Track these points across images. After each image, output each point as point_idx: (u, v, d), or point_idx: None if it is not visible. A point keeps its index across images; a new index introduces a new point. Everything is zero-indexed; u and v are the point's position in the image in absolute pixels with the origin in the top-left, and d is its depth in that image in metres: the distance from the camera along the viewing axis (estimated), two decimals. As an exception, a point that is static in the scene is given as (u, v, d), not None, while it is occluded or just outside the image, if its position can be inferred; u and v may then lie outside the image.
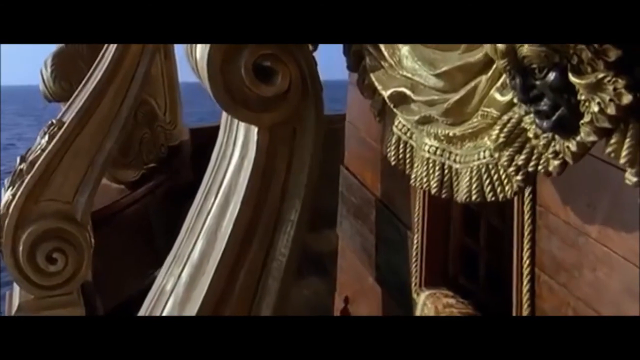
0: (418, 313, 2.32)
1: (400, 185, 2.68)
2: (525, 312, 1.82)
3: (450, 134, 1.57)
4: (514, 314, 1.87)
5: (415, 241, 2.47)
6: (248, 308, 1.68)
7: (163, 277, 1.79)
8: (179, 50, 4.96)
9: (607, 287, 1.53)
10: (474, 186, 1.50)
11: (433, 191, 1.66)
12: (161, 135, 4.59)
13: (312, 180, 1.71)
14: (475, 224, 2.44)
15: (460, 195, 1.54)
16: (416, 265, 2.46)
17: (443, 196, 1.65)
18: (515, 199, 1.90)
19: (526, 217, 1.83)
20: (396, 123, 1.93)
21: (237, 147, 1.77)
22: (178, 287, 1.71)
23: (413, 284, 2.46)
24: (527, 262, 1.82)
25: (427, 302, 2.30)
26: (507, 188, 1.43)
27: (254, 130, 1.72)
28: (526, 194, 1.84)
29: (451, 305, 2.23)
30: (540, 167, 1.33)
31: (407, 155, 1.84)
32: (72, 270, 3.15)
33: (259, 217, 1.70)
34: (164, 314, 1.69)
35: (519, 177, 1.39)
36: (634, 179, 1.14)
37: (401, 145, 1.87)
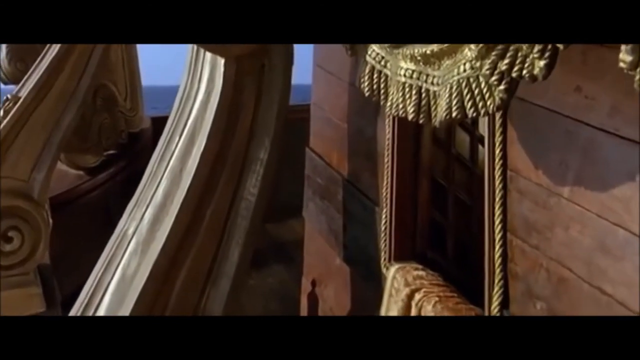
0: (387, 287, 2.30)
1: (367, 163, 2.67)
2: (497, 277, 1.81)
3: (428, 52, 1.52)
4: (485, 280, 1.86)
5: (383, 216, 2.45)
6: (215, 246, 1.63)
7: (124, 222, 1.72)
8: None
9: (580, 245, 1.53)
10: (453, 102, 1.44)
11: (410, 117, 1.61)
12: (121, 121, 4.48)
13: (281, 118, 1.66)
14: (443, 197, 2.44)
15: (439, 114, 1.49)
16: (385, 240, 2.45)
17: (420, 122, 1.59)
18: (486, 165, 1.90)
19: (497, 182, 1.83)
20: (369, 52, 1.88)
21: (203, 84, 1.71)
22: (141, 228, 1.65)
23: (382, 259, 2.44)
24: (499, 227, 1.81)
25: (396, 276, 2.28)
26: (489, 102, 1.39)
27: (221, 62, 1.65)
28: (497, 160, 1.84)
29: (421, 277, 2.21)
30: (525, 72, 1.28)
31: (382, 85, 1.79)
32: (28, 250, 3.03)
33: (226, 155, 1.65)
34: (126, 257, 1.63)
35: (502, 87, 1.34)
36: (629, 58, 1.09)
37: (375, 75, 1.82)
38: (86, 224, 3.99)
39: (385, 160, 2.45)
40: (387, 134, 2.44)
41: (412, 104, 1.59)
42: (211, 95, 1.66)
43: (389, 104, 1.73)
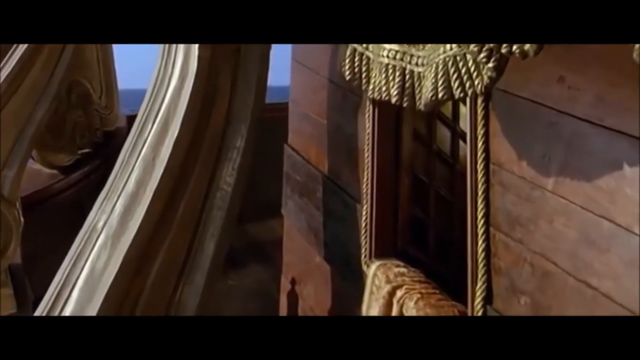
0: (368, 284, 2.26)
1: (347, 158, 2.63)
2: (480, 273, 1.78)
3: None
4: (468, 276, 1.83)
5: (364, 212, 2.41)
6: (190, 238, 1.57)
7: (94, 215, 1.66)
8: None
9: (564, 238, 1.50)
10: (439, 82, 1.38)
11: (393, 99, 1.56)
12: (96, 119, 4.38)
13: (259, 104, 1.61)
14: (424, 194, 2.41)
15: (425, 96, 1.44)
16: (365, 237, 2.41)
17: (404, 104, 1.54)
18: (468, 158, 1.87)
19: (479, 176, 1.80)
20: (351, 34, 1.82)
21: (177, 69, 1.65)
22: (111, 220, 1.58)
23: (363, 256, 2.40)
24: (482, 221, 1.79)
25: (377, 273, 2.24)
26: (476, 81, 1.34)
27: (195, 45, 1.59)
28: (479, 153, 1.81)
29: (403, 274, 2.18)
30: (515, 47, 1.24)
31: (364, 68, 1.73)
32: (-2, 249, 2.95)
33: (201, 142, 1.59)
34: (95, 251, 1.56)
35: (490, 64, 1.30)
36: None
37: (356, 58, 1.77)
38: (60, 223, 3.90)
39: (366, 156, 2.42)
40: (367, 129, 2.40)
41: (395, 86, 1.54)
42: (185, 80, 1.60)
43: (371, 87, 1.67)
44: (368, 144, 2.40)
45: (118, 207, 1.63)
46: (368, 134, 2.40)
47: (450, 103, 2.52)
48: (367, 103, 2.37)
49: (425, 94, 1.43)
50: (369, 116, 2.39)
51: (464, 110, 2.16)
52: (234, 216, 1.69)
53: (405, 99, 1.52)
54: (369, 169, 2.41)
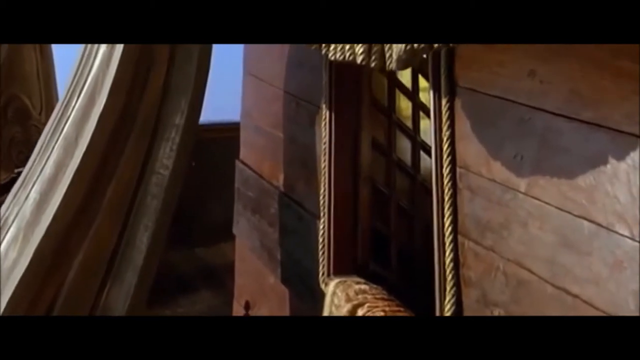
0: (327, 303, 2.11)
1: (302, 171, 2.50)
2: (449, 285, 1.66)
3: None
4: (436, 289, 1.71)
5: (321, 227, 2.28)
6: (118, 230, 1.36)
7: (6, 207, 1.44)
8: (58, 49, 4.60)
9: (540, 242, 1.40)
10: None
11: (359, 59, 1.37)
12: (35, 136, 4.13)
13: (201, 75, 1.41)
14: (384, 206, 2.29)
15: (397, 49, 1.26)
16: (323, 253, 2.27)
17: (372, 65, 1.36)
18: (433, 163, 1.76)
19: (445, 181, 1.69)
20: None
21: None
22: (24, 210, 1.36)
23: (320, 274, 2.25)
24: (449, 229, 1.67)
25: (336, 291, 2.10)
26: None
27: None
28: (444, 157, 1.70)
29: (364, 291, 2.04)
30: None
31: None
32: None
33: (133, 118, 1.38)
34: (3, 246, 1.34)
35: None
36: None
37: None
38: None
39: (322, 166, 2.30)
40: (323, 138, 2.28)
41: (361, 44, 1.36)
42: (115, 46, 1.40)
43: (332, 47, 1.48)
44: (325, 155, 2.28)
45: (33, 194, 1.41)
46: (324, 143, 2.28)
47: (411, 114, 2.43)
48: (324, 110, 2.26)
49: (397, 46, 1.26)
50: (325, 125, 2.27)
51: (427, 122, 2.05)
52: (171, 205, 1.49)
53: (372, 57, 1.34)
54: (326, 181, 2.29)
